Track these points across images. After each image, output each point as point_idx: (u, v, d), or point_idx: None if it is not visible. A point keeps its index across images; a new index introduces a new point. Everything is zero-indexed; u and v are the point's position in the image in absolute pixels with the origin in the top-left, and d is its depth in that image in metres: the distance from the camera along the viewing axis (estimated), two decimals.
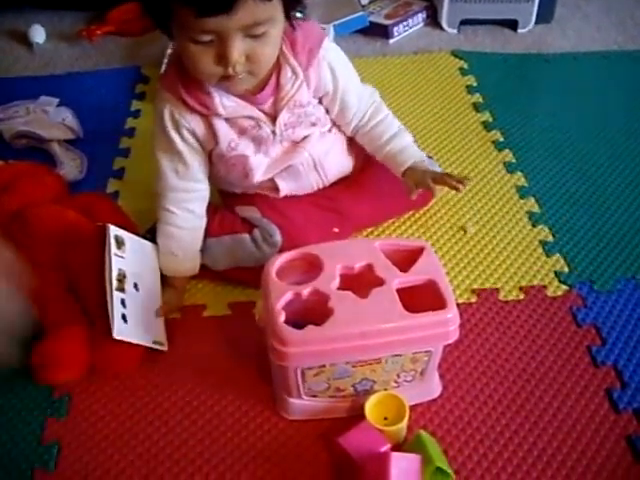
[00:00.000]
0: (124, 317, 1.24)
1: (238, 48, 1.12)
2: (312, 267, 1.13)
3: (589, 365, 1.26)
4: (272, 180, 1.39)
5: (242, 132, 1.30)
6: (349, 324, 1.04)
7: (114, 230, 1.29)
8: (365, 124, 1.43)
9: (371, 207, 1.49)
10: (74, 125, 1.85)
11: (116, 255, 1.27)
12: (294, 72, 1.27)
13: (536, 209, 1.58)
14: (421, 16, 2.26)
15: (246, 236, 1.36)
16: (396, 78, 2.01)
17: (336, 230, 1.42)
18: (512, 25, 2.24)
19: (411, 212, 1.56)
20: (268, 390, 1.22)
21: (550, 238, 1.51)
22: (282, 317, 1.05)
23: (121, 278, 1.27)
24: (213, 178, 1.41)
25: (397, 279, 1.10)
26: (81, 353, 1.24)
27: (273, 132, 1.31)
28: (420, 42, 2.19)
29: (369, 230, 1.53)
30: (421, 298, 1.09)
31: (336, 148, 1.44)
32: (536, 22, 2.24)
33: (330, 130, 1.42)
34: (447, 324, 1.07)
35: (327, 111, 1.38)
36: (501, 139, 1.78)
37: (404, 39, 2.21)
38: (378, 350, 1.07)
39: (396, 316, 1.05)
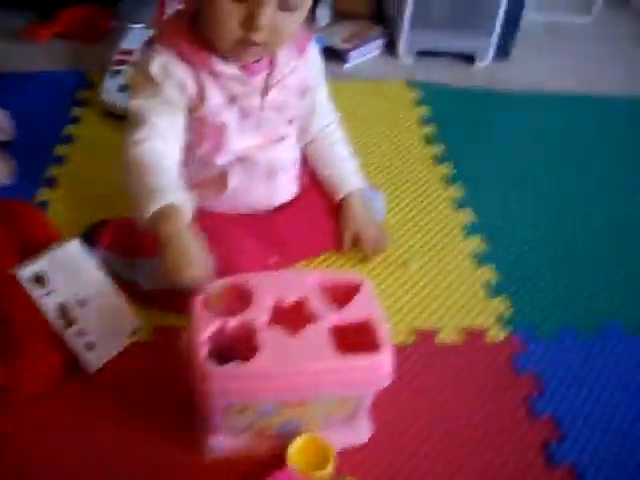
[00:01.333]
0: (89, 345, 1.20)
1: (269, 16, 1.13)
2: (242, 298, 1.06)
3: (526, 416, 1.21)
4: (223, 173, 1.34)
5: (232, 99, 1.27)
6: (276, 362, 0.97)
7: (26, 273, 1.18)
8: (323, 137, 1.48)
9: (310, 238, 1.44)
10: (7, 127, 1.75)
11: (44, 296, 1.19)
12: (289, 55, 1.30)
13: (483, 249, 1.54)
14: (378, 43, 2.23)
15: None
16: (347, 104, 1.94)
17: (274, 260, 1.36)
18: (470, 59, 2.21)
19: None
20: (188, 426, 1.14)
21: (495, 280, 1.46)
22: (204, 350, 0.98)
23: (64, 312, 1.20)
24: None
25: (331, 316, 1.04)
26: None
27: (261, 107, 1.29)
28: (375, 70, 2.16)
29: (303, 263, 1.46)
30: (355, 338, 1.03)
31: (291, 171, 1.43)
32: (493, 57, 2.22)
33: (295, 144, 1.43)
34: (380, 368, 1.01)
35: None
36: (452, 172, 1.74)
37: (359, 65, 2.17)
38: (305, 391, 1.01)
39: (326, 356, 0.99)
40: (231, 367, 0.97)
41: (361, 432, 1.14)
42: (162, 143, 1.23)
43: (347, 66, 2.13)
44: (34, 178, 1.64)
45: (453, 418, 1.20)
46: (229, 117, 1.28)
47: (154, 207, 1.14)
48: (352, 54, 2.14)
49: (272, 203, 1.42)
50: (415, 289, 1.43)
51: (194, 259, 1.11)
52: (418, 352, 1.30)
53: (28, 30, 2.17)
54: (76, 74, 2.03)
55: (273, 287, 1.07)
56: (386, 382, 1.03)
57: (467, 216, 1.62)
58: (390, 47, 2.24)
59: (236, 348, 1.02)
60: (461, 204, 1.65)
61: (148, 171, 1.19)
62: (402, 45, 2.19)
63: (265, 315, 1.03)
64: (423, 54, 2.21)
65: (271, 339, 0.99)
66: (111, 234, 1.37)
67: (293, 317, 1.04)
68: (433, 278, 1.46)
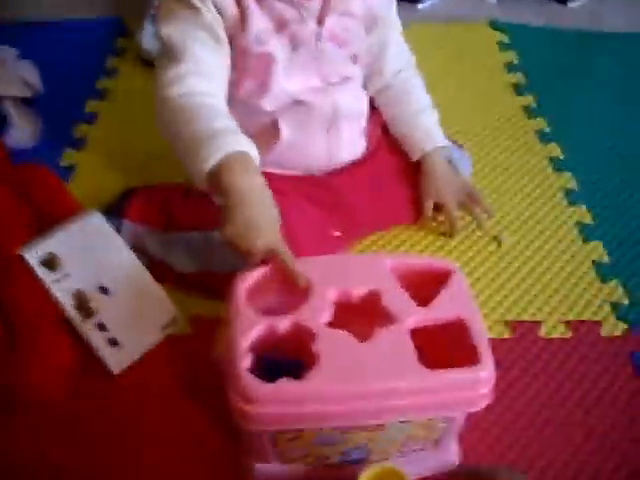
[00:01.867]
0: (112, 341, 0.99)
1: None
2: (296, 288, 0.82)
3: None
4: (273, 121, 1.10)
5: (280, 25, 1.03)
6: (340, 379, 0.73)
7: (34, 253, 0.98)
8: (398, 83, 1.23)
9: (380, 207, 1.19)
10: (35, 81, 1.52)
11: (55, 282, 0.98)
12: None
13: (588, 220, 1.26)
14: None
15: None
16: (424, 49, 1.65)
17: (337, 234, 1.12)
18: None
19: None
20: (231, 445, 0.91)
21: (605, 259, 1.19)
22: (247, 362, 0.75)
23: (80, 301, 0.99)
24: None
25: (413, 316, 0.79)
26: None
27: (317, 36, 1.05)
28: (453, 9, 1.87)
29: (373, 238, 1.21)
30: (443, 343, 0.79)
31: (358, 123, 1.18)
32: None
33: (361, 90, 1.19)
34: (478, 386, 0.76)
35: None
36: (546, 129, 1.47)
37: (435, 5, 1.89)
38: (379, 415, 0.76)
39: (409, 371, 0.74)
40: (280, 386, 0.73)
41: (447, 459, 0.89)
42: (207, 79, 0.99)
43: (421, 6, 1.85)
44: (61, 138, 1.44)
45: (565, 429, 0.95)
46: (277, 47, 1.03)
47: (217, 156, 0.88)
48: None
49: (333, 162, 1.17)
50: (510, 270, 1.17)
51: (269, 222, 0.87)
52: (519, 348, 1.05)
53: None
54: (113, 21, 1.80)
55: (336, 275, 0.83)
56: (484, 403, 0.78)
57: (568, 180, 1.34)
58: None
59: (288, 349, 0.79)
60: (560, 166, 1.37)
61: (199, 114, 0.94)
62: None
63: (326, 313, 0.79)
64: None
65: (334, 347, 0.75)
66: (141, 204, 1.15)
67: (362, 316, 0.79)
68: (531, 257, 1.20)
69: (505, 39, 1.74)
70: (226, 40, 1.01)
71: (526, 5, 1.90)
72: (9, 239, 1.03)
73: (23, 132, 1.44)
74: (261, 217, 0.86)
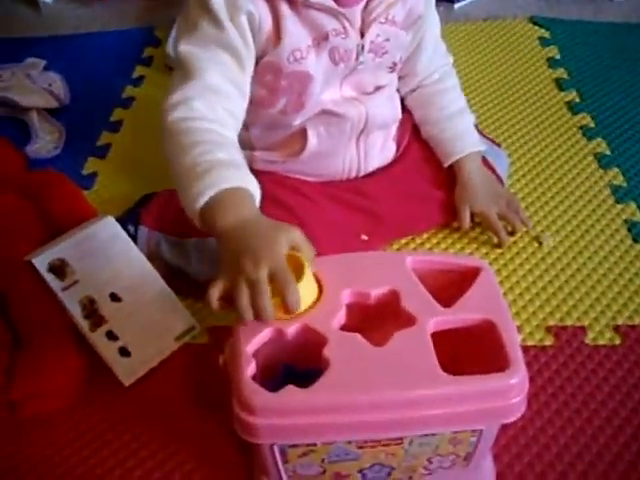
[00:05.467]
0: (123, 351, 0.94)
1: None
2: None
3: None
4: (303, 130, 1.02)
5: (321, 38, 0.93)
6: (352, 387, 0.66)
7: (42, 261, 0.93)
8: (431, 84, 1.16)
9: (412, 211, 1.12)
10: (61, 92, 1.52)
11: (64, 289, 0.93)
12: None
13: (638, 217, 1.17)
14: None
15: None
16: (462, 48, 1.61)
17: (364, 238, 1.05)
18: None
19: None
20: (243, 461, 0.85)
21: None
22: (250, 369, 0.68)
23: (89, 308, 0.94)
24: None
25: (434, 317, 0.71)
26: None
27: (358, 49, 0.96)
28: (491, 7, 1.78)
29: (404, 242, 1.15)
30: (469, 348, 0.71)
31: (390, 130, 1.12)
32: None
33: (395, 95, 1.12)
34: (508, 394, 0.68)
35: None
36: (591, 124, 1.37)
37: (472, 3, 1.81)
38: (397, 427, 0.69)
39: (428, 379, 0.66)
40: (286, 395, 0.66)
41: (482, 477, 0.81)
42: (217, 105, 0.88)
43: (458, 5, 1.78)
44: (84, 147, 1.40)
45: (614, 447, 0.86)
46: (314, 64, 0.95)
47: (209, 193, 0.77)
48: None
49: (363, 169, 1.11)
50: (552, 272, 1.09)
51: (266, 245, 0.71)
52: (560, 358, 0.96)
53: None
54: (143, 31, 1.77)
55: (350, 274, 0.76)
56: (516, 413, 0.70)
57: (614, 177, 1.25)
58: None
59: (299, 356, 0.73)
60: (606, 162, 1.28)
61: (197, 144, 0.82)
62: None
63: (338, 315, 0.72)
64: None
65: (346, 352, 0.68)
66: (158, 209, 1.09)
67: (379, 318, 0.72)
68: (576, 257, 1.11)
69: (546, 34, 1.65)
70: (250, 63, 0.91)
71: (568, 0, 1.81)
72: (20, 246, 0.99)
73: (46, 142, 1.41)
74: (255, 241, 0.72)
